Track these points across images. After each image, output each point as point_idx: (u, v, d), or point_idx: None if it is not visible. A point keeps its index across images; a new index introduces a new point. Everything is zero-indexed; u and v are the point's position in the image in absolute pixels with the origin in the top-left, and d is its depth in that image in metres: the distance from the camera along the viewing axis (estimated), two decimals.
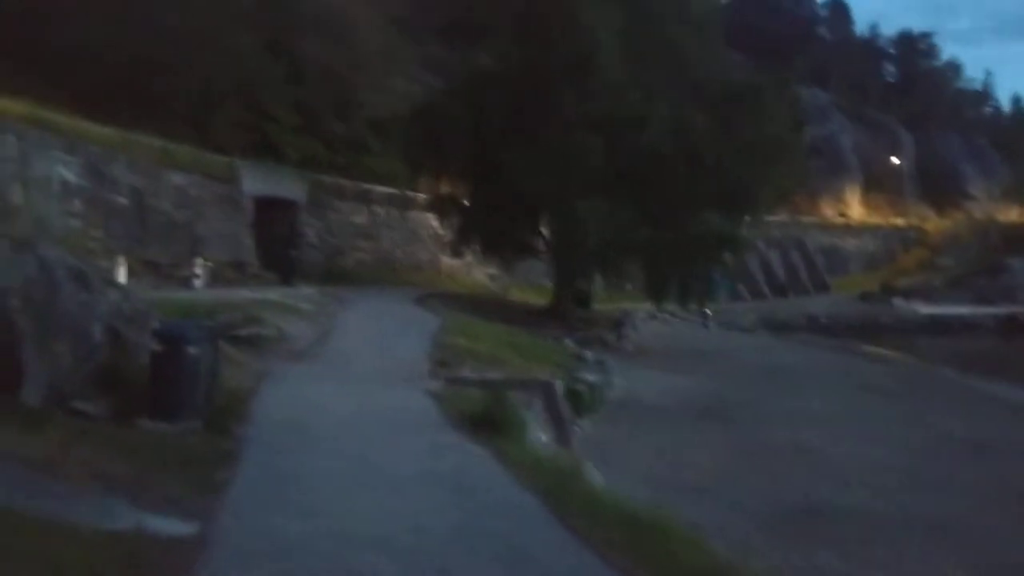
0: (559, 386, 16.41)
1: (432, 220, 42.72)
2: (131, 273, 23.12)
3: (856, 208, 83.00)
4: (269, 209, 34.55)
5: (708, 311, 45.04)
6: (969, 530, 11.65)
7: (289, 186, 36.56)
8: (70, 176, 25.30)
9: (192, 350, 8.92)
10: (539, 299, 42.40)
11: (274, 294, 24.02)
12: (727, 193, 30.50)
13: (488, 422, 9.93)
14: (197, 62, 35.19)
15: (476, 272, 46.64)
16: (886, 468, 15.14)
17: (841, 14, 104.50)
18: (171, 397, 8.84)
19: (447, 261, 44.46)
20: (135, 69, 33.71)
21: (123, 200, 27.40)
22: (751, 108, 30.53)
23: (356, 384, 13.40)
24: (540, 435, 12.95)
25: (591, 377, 19.52)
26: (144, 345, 9.80)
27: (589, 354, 23.99)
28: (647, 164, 29.16)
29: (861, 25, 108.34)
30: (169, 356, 8.83)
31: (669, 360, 31.28)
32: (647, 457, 15.39)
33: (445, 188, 36.47)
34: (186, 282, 25.30)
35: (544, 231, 34.56)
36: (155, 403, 8.87)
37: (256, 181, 34.22)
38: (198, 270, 26.32)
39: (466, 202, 35.17)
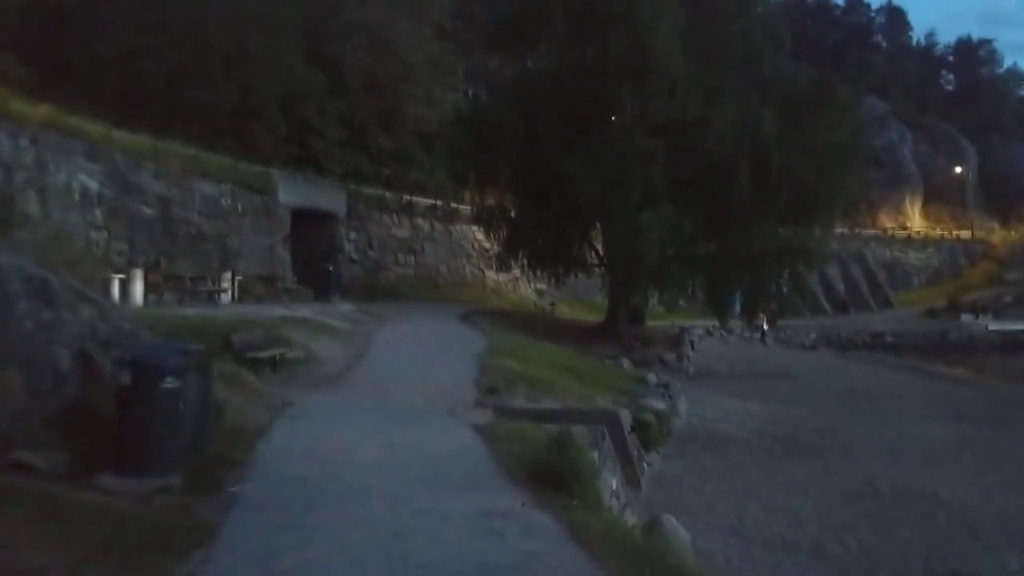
0: (626, 417, 14.19)
1: (477, 233, 40.98)
2: (151, 288, 21.31)
3: (917, 220, 79.68)
4: (307, 222, 32.79)
5: (767, 328, 42.90)
6: None
7: (328, 197, 34.81)
8: (92, 184, 23.58)
9: (170, 383, 6.83)
10: (589, 316, 40.28)
11: (307, 311, 22.08)
12: (797, 202, 28.06)
13: (553, 474, 7.71)
14: (237, 73, 34.23)
15: (523, 287, 44.58)
16: None
17: (898, 22, 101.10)
18: (141, 445, 6.76)
19: (493, 276, 42.58)
20: (173, 79, 32.87)
21: (149, 210, 25.67)
22: (824, 111, 28.05)
23: (390, 418, 11.28)
24: (611, 480, 10.74)
25: (658, 405, 17.23)
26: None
27: (652, 377, 21.71)
28: (711, 171, 26.84)
29: (916, 34, 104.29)
30: (139, 391, 6.76)
31: (734, 382, 29.02)
32: (732, 502, 13.10)
33: (491, 199, 34.35)
34: (212, 297, 23.41)
35: (597, 243, 32.34)
36: (120, 453, 6.80)
37: (294, 192, 32.47)
38: (225, 284, 24.46)
39: (513, 214, 33.06)
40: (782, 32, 31.85)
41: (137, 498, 6.55)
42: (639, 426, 14.97)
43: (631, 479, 12.90)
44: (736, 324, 41.48)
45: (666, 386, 20.99)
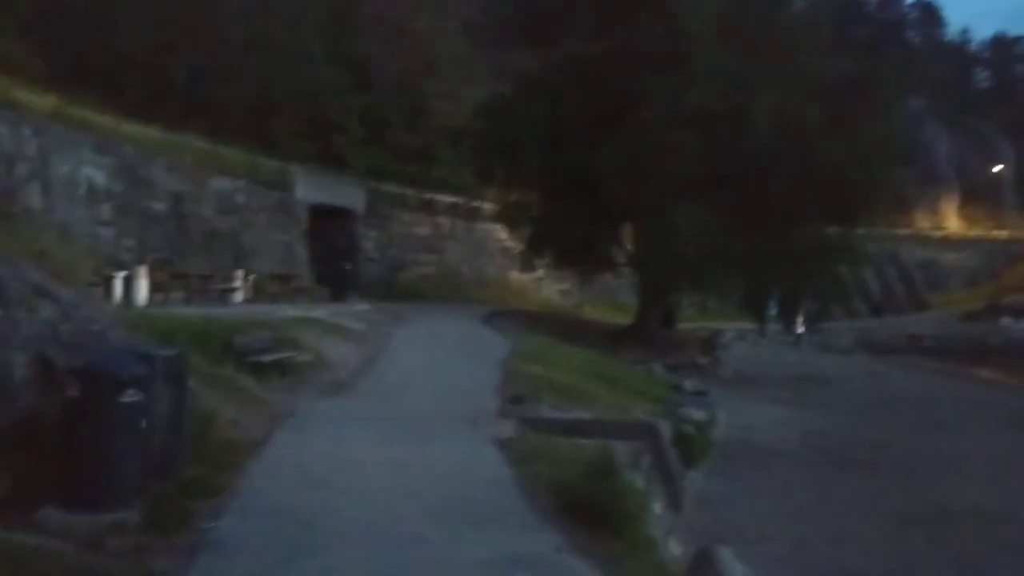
0: (665, 429, 12.85)
1: (501, 232, 39.73)
2: (158, 287, 20.18)
3: (953, 220, 77.50)
4: (325, 219, 31.66)
5: (801, 331, 41.42)
6: None
7: (347, 194, 33.68)
8: (99, 178, 22.54)
9: (129, 396, 5.59)
10: (615, 318, 38.90)
11: (321, 311, 20.94)
12: (840, 198, 26.54)
13: (592, 507, 6.41)
14: (257, 68, 33.53)
15: (547, 288, 43.24)
16: None
17: (931, 17, 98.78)
18: (92, 473, 5.53)
19: (516, 276, 41.27)
20: (192, 74, 32.17)
21: (160, 206, 24.63)
22: (869, 101, 26.50)
23: (402, 430, 10.03)
24: (655, 506, 9.42)
25: (698, 414, 15.84)
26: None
27: (689, 383, 20.31)
28: (749, 165, 25.37)
29: (950, 30, 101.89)
30: (90, 407, 5.52)
31: (772, 388, 27.59)
32: (786, 526, 11.72)
33: (516, 196, 32.98)
34: (223, 297, 22.27)
35: (627, 242, 30.96)
36: (67, 482, 5.57)
37: (312, 188, 31.34)
38: (237, 283, 23.32)
39: (538, 211, 31.71)
40: (823, 18, 30.29)
41: (83, 539, 5.31)
42: (679, 439, 13.61)
43: (673, 500, 11.56)
44: (769, 327, 40.13)
45: (703, 393, 19.57)
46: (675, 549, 8.94)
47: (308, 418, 10.30)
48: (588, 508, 6.45)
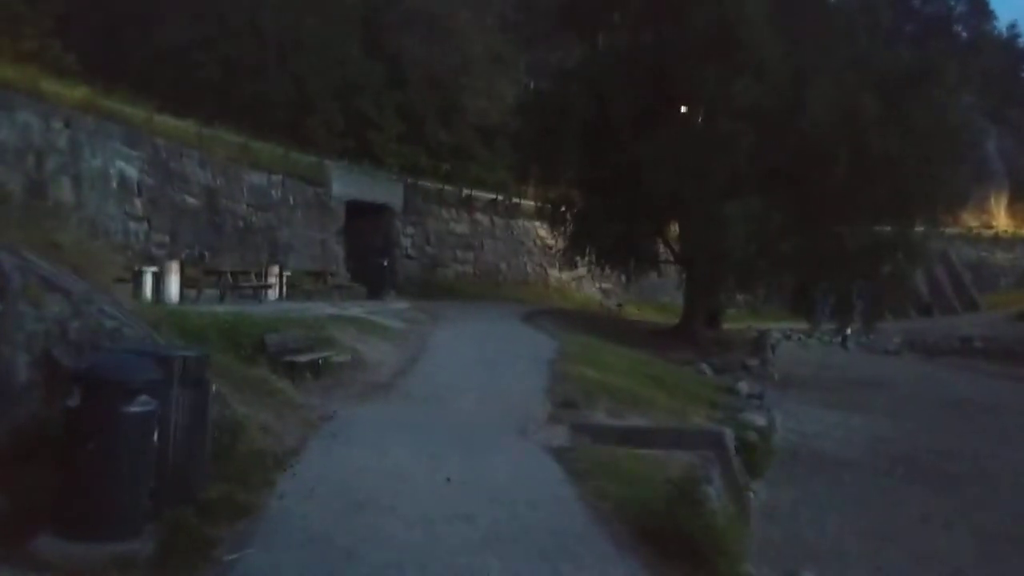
0: (730, 437, 11.87)
1: (540, 229, 38.94)
2: (190, 283, 19.51)
3: (1002, 218, 75.30)
4: (362, 215, 30.97)
5: (848, 331, 40.16)
6: None
7: (385, 190, 32.96)
8: (131, 171, 21.91)
9: (139, 405, 4.75)
10: (657, 317, 37.84)
11: (358, 309, 20.20)
12: (896, 193, 25.31)
13: (678, 538, 5.47)
14: (292, 64, 33.53)
15: (587, 286, 42.26)
16: None
17: (979, 11, 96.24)
18: (94, 496, 4.70)
19: (555, 274, 40.42)
20: (227, 71, 32.21)
21: (193, 200, 23.98)
22: (929, 92, 25.22)
23: (448, 439, 9.16)
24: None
25: (759, 420, 14.81)
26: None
27: (743, 386, 19.26)
28: (803, 158, 24.24)
29: (999, 24, 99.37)
30: (92, 418, 4.69)
31: (825, 390, 26.44)
32: (864, 543, 10.71)
33: (556, 192, 32.02)
34: (257, 294, 21.56)
35: (671, 239, 29.92)
36: (65, 507, 4.74)
37: (348, 184, 30.65)
38: (272, 280, 22.62)
39: (580, 207, 30.74)
40: (880, 5, 29.00)
41: (83, 574, 4.49)
42: (742, 447, 12.62)
43: (742, 515, 10.59)
44: (815, 327, 38.85)
45: (759, 396, 18.53)
46: (751, 570, 7.99)
47: (346, 424, 9.47)
48: (671, 538, 5.51)
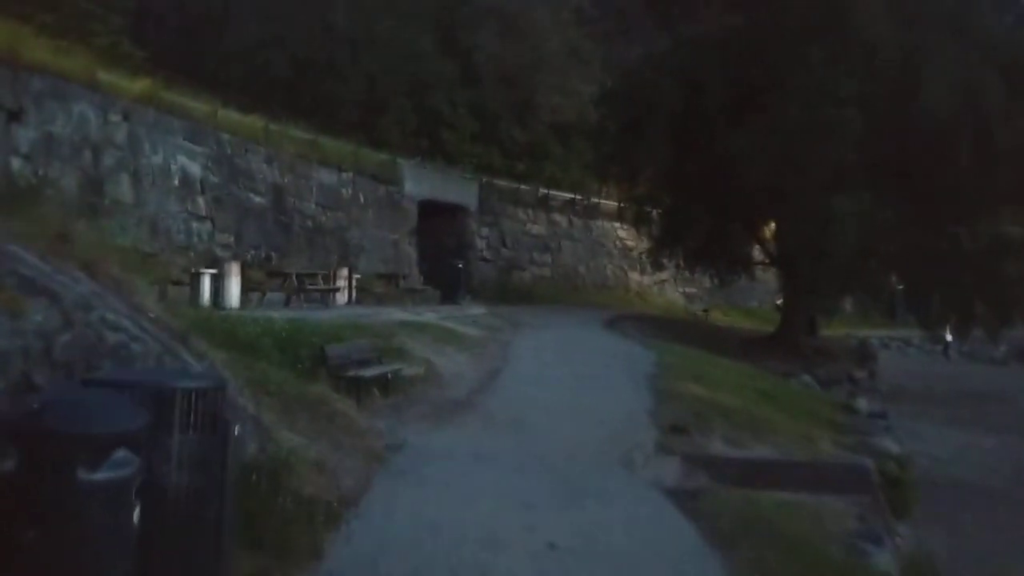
0: (873, 470, 9.92)
1: (620, 230, 37.08)
2: (253, 286, 18.18)
3: None
4: (435, 215, 29.50)
5: (950, 338, 37.59)
6: None
7: (459, 189, 31.48)
8: (194, 168, 20.71)
9: (106, 471, 3.12)
10: (745, 323, 35.62)
11: (431, 315, 18.66)
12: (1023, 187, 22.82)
13: None
14: (364, 62, 32.73)
15: (670, 291, 40.15)
16: None
17: None
18: None
19: (636, 277, 38.49)
20: (299, 69, 31.69)
21: (260, 199, 22.74)
22: None
23: (542, 478, 7.46)
24: None
25: (893, 447, 12.76)
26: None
27: (863, 403, 17.13)
28: (919, 149, 21.94)
29: None
30: (32, 490, 3.08)
31: (940, 404, 24.21)
32: None
33: (640, 190, 30.03)
34: (325, 297, 20.14)
35: (768, 239, 27.74)
36: None
37: (421, 183, 29.21)
38: (340, 283, 21.20)
39: (666, 206, 28.76)
40: None
41: None
42: (883, 481, 10.63)
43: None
44: (914, 334, 36.30)
45: (883, 415, 16.39)
46: None
47: (418, 456, 7.83)
48: None
